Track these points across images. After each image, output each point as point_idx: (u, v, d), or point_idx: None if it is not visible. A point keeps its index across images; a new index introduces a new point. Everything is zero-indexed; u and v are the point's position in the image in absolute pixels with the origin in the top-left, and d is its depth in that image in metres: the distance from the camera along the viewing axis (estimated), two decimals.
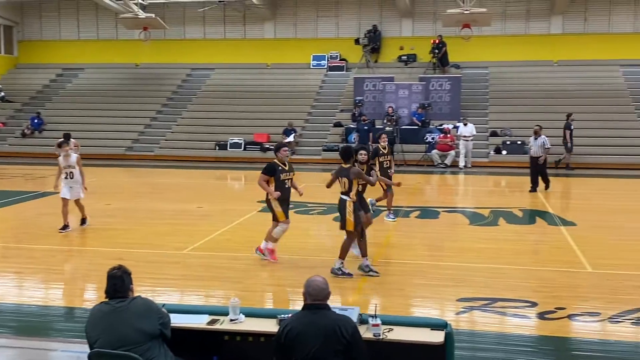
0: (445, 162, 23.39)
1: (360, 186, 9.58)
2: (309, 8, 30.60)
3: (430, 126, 24.91)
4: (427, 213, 14.64)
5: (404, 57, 28.85)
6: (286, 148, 10.27)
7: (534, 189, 17.35)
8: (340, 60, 30.01)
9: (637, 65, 27.43)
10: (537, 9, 28.81)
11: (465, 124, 23.72)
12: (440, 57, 27.41)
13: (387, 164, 12.98)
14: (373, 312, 5.20)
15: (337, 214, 9.57)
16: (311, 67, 30.30)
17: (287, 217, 10.11)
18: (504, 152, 23.76)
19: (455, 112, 25.68)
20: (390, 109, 24.85)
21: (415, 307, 8.44)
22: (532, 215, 14.21)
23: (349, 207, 9.21)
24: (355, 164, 9.73)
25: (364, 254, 9.47)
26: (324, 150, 25.13)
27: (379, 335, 5.06)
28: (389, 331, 5.13)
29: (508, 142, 23.90)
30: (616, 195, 17.59)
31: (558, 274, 9.69)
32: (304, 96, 28.44)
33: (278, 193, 9.90)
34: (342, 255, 9.33)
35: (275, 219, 10.08)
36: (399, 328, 5.21)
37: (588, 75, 27.27)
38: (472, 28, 24.60)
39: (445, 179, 21.62)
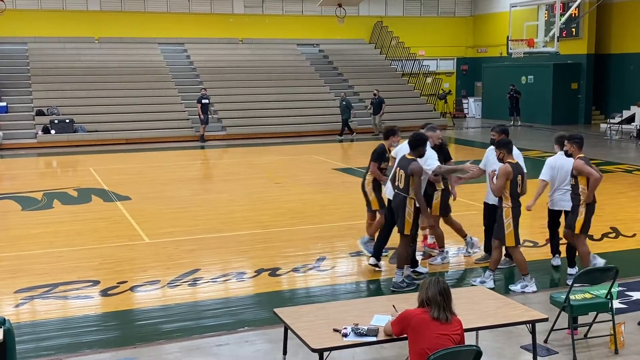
0: None
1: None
2: None
3: None
4: None
5: None
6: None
7: None
8: None
9: (172, 44, 29.23)
10: None
11: None
12: None
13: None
14: None
15: None
16: None
17: None
18: (53, 131, 22.93)
19: None
20: None
21: None
22: (87, 194, 14.13)
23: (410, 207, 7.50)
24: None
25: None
26: None
27: None
28: None
29: (56, 121, 23.12)
30: (168, 167, 18.54)
31: (118, 249, 9.91)
32: None
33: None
34: (401, 264, 7.84)
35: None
36: None
37: (130, 53, 27.98)
38: (5, 1, 22.98)
39: None
